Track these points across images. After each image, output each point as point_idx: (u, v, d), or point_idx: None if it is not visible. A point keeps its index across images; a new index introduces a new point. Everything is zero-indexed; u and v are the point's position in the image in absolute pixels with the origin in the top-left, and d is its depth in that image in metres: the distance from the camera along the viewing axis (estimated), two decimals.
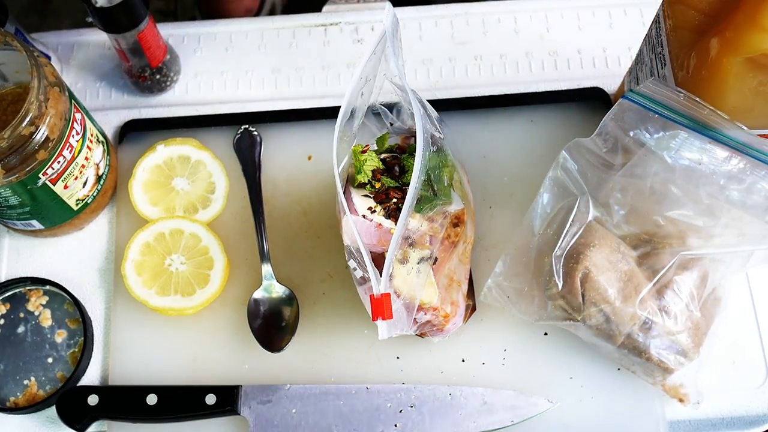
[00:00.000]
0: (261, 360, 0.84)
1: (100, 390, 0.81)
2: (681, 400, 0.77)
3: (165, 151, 0.91)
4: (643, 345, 0.75)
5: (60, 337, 0.85)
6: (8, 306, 0.86)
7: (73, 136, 0.80)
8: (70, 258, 0.90)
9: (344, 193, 0.75)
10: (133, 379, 0.84)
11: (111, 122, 0.97)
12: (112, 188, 0.91)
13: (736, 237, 0.75)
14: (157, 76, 0.96)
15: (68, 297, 0.85)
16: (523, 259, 0.80)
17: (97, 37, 1.02)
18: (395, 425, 0.79)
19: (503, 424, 0.79)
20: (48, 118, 0.75)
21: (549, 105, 0.94)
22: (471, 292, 0.83)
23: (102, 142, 0.88)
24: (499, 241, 0.88)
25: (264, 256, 0.87)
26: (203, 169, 0.91)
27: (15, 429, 0.83)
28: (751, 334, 0.84)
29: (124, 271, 0.85)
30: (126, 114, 0.97)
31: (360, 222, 0.74)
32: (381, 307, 0.68)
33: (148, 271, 0.85)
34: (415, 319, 0.74)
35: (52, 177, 0.79)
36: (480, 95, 0.96)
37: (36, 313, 0.86)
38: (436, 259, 0.75)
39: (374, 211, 0.75)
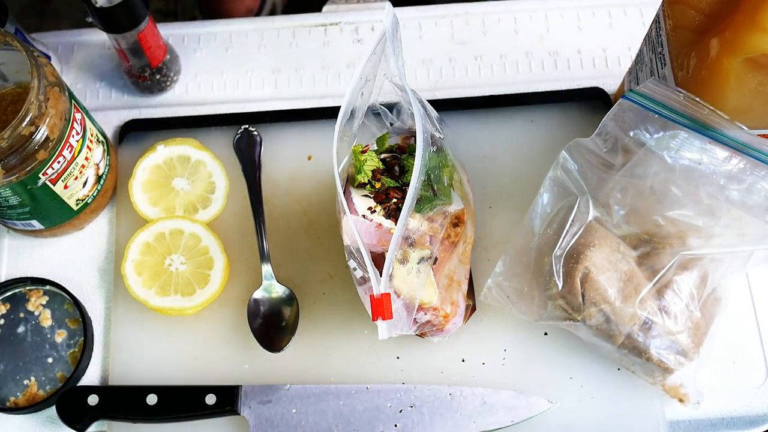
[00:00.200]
0: (261, 360, 0.84)
1: (100, 390, 0.81)
2: (681, 400, 0.77)
3: (165, 151, 0.91)
4: (643, 345, 0.75)
5: (60, 337, 0.85)
6: (8, 306, 0.86)
7: (73, 136, 0.80)
8: (70, 258, 0.90)
9: (344, 193, 0.75)
10: (133, 379, 0.84)
11: (111, 122, 0.97)
12: (112, 188, 0.91)
13: (736, 237, 0.75)
14: (157, 76, 0.96)
15: (68, 297, 0.85)
16: (523, 259, 0.80)
17: (97, 37, 1.02)
18: (395, 425, 0.79)
19: (503, 424, 0.79)
20: (48, 118, 0.75)
21: (549, 105, 0.94)
22: (471, 292, 0.83)
23: (102, 142, 0.88)
24: (499, 241, 0.88)
25: (264, 256, 0.87)
26: (203, 169, 0.91)
27: (15, 429, 0.83)
28: (751, 334, 0.84)
29: (124, 271, 0.85)
30: (126, 114, 0.97)
31: (360, 222, 0.74)
32: (381, 307, 0.68)
33: (148, 271, 0.85)
34: (415, 319, 0.74)
35: (52, 177, 0.79)
36: (480, 95, 0.96)
37: (36, 313, 0.86)
38: (436, 259, 0.75)
39: (374, 211, 0.75)
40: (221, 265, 0.86)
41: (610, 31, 1.00)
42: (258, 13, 1.50)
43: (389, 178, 0.78)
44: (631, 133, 0.75)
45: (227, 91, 0.99)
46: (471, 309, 0.82)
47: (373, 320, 0.69)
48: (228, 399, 0.80)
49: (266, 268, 0.86)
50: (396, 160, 0.79)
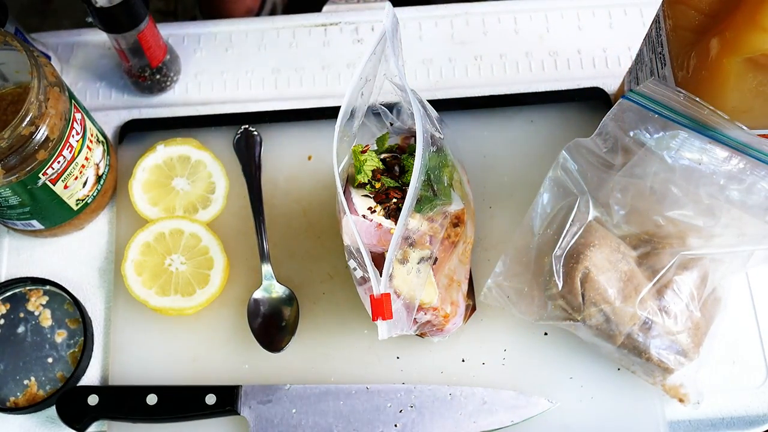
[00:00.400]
0: (261, 360, 0.84)
1: (100, 390, 0.81)
2: (681, 400, 0.77)
3: (165, 151, 0.91)
4: (643, 345, 0.75)
5: (60, 337, 0.85)
6: (8, 306, 0.86)
7: (73, 136, 0.80)
8: (70, 258, 0.90)
9: (344, 193, 0.75)
10: (133, 379, 0.84)
11: (111, 122, 0.97)
12: (112, 188, 0.91)
13: (736, 237, 0.75)
14: (157, 76, 0.96)
15: (68, 297, 0.85)
16: (523, 259, 0.80)
17: (97, 37, 1.02)
18: (395, 425, 0.79)
19: (503, 424, 0.79)
20: (48, 118, 0.75)
21: (549, 105, 0.94)
22: (471, 292, 0.83)
23: (102, 142, 0.88)
24: (499, 241, 0.88)
25: (264, 256, 0.87)
26: (203, 169, 0.91)
27: (15, 429, 0.83)
28: (751, 334, 0.84)
29: (124, 271, 0.85)
30: (126, 114, 0.97)
31: (360, 222, 0.74)
32: (381, 307, 0.68)
33: (148, 271, 0.85)
34: (415, 319, 0.74)
35: (52, 177, 0.79)
36: (480, 95, 0.96)
37: (36, 313, 0.86)
38: (436, 259, 0.75)
39: (374, 211, 0.75)
40: (221, 265, 0.86)
41: (610, 31, 1.00)
42: (258, 13, 1.50)
43: (389, 178, 0.78)
44: (631, 133, 0.75)
45: (227, 91, 0.99)
46: (471, 309, 0.82)
47: (373, 320, 0.69)
48: (228, 399, 0.80)
49: (266, 268, 0.86)
50: (396, 160, 0.79)
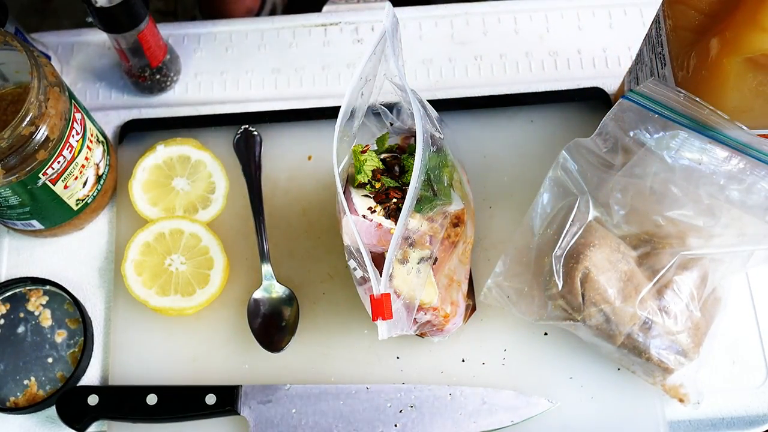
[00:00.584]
0: (261, 360, 0.84)
1: (100, 390, 0.81)
2: (681, 400, 0.77)
3: (165, 151, 0.91)
4: (643, 345, 0.75)
5: (60, 337, 0.85)
6: (8, 306, 0.86)
7: (73, 136, 0.80)
8: (70, 258, 0.90)
9: (344, 193, 0.75)
10: (133, 379, 0.84)
11: (111, 122, 0.97)
12: (112, 188, 0.91)
13: (736, 237, 0.75)
14: (157, 76, 0.96)
15: (68, 297, 0.85)
16: (523, 259, 0.80)
17: (97, 37, 1.02)
18: (395, 425, 0.79)
19: (503, 424, 0.79)
20: (48, 118, 0.75)
21: (549, 105, 0.94)
22: (471, 292, 0.83)
23: (102, 142, 0.88)
24: (499, 241, 0.88)
25: (264, 256, 0.87)
26: (203, 169, 0.91)
27: (15, 429, 0.83)
28: (751, 334, 0.84)
29: (124, 271, 0.85)
30: (126, 114, 0.97)
31: (360, 222, 0.74)
32: (381, 307, 0.68)
33: (148, 271, 0.85)
34: (415, 319, 0.74)
35: (52, 177, 0.79)
36: (480, 95, 0.96)
37: (36, 313, 0.86)
38: (436, 259, 0.75)
39: (374, 211, 0.75)
40: (221, 265, 0.86)
41: (610, 31, 1.00)
42: (258, 13, 1.50)
43: (389, 178, 0.78)
44: (631, 133, 0.75)
45: (227, 91, 0.99)
46: (471, 309, 0.82)
47: (373, 320, 0.69)
48: (228, 399, 0.80)
49: (266, 268, 0.86)
50: (396, 160, 0.79)
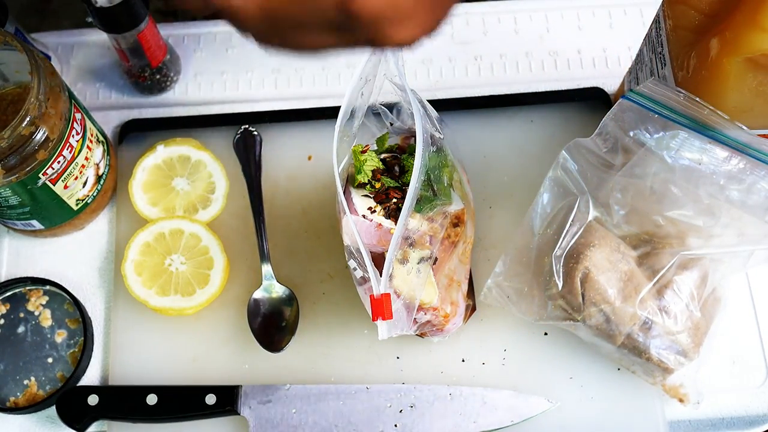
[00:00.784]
0: (261, 360, 0.84)
1: (100, 390, 0.81)
2: (681, 400, 0.77)
3: (165, 151, 0.91)
4: (643, 345, 0.75)
5: (60, 337, 0.85)
6: (8, 306, 0.86)
7: (73, 136, 0.80)
8: (70, 258, 0.90)
9: (344, 193, 0.75)
10: (133, 379, 0.84)
11: (111, 122, 0.96)
12: (112, 188, 0.91)
13: (736, 237, 0.75)
14: (157, 76, 0.96)
15: (68, 297, 0.85)
16: (523, 259, 0.80)
17: (97, 37, 1.02)
18: (395, 425, 0.79)
19: (503, 424, 0.79)
20: (48, 118, 0.75)
21: (549, 105, 0.94)
22: (471, 292, 0.83)
23: (102, 142, 0.88)
24: (499, 241, 0.88)
25: (264, 256, 0.87)
26: (203, 169, 0.91)
27: (15, 429, 0.83)
28: (751, 334, 0.84)
29: (124, 271, 0.85)
30: (126, 114, 0.97)
31: (360, 222, 0.74)
32: (381, 307, 0.68)
33: (148, 271, 0.85)
34: (415, 319, 0.74)
35: (52, 177, 0.79)
36: (480, 95, 0.96)
37: (36, 313, 0.86)
38: (436, 259, 0.75)
39: (374, 211, 0.75)
40: (221, 265, 0.86)
41: (610, 31, 1.00)
42: None
43: (389, 178, 0.78)
44: (631, 133, 0.75)
45: (227, 91, 0.99)
46: (471, 309, 0.82)
47: (373, 320, 0.69)
48: (228, 399, 0.80)
49: (266, 268, 0.86)
50: (396, 160, 0.79)
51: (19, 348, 0.85)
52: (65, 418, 0.80)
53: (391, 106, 0.81)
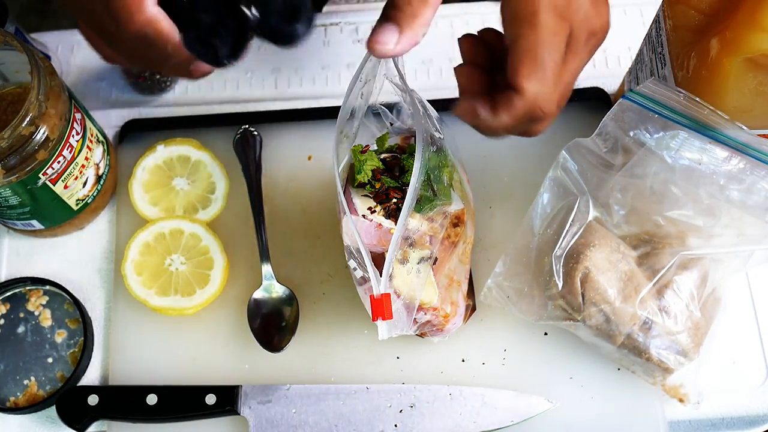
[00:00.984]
0: (261, 360, 0.84)
1: (100, 390, 0.81)
2: (681, 400, 0.77)
3: (165, 151, 0.91)
4: (643, 345, 0.75)
5: (60, 337, 0.85)
6: (8, 306, 0.86)
7: (73, 136, 0.80)
8: (70, 258, 0.90)
9: (344, 193, 0.75)
10: (133, 379, 0.84)
11: (111, 122, 0.96)
12: (112, 188, 0.91)
13: (736, 237, 0.75)
14: (157, 76, 0.96)
15: (68, 297, 0.85)
16: (523, 259, 0.80)
17: None
18: (395, 425, 0.79)
19: (503, 424, 0.79)
20: (48, 118, 0.75)
21: None
22: (471, 292, 0.83)
23: (102, 142, 0.88)
24: (499, 241, 0.88)
25: (264, 256, 0.87)
26: (203, 169, 0.91)
27: (15, 429, 0.83)
28: (751, 334, 0.84)
29: (124, 271, 0.85)
30: (126, 114, 0.97)
31: (360, 222, 0.74)
32: (381, 307, 0.68)
33: (148, 271, 0.85)
34: (415, 319, 0.74)
35: (52, 177, 0.79)
36: None
37: (36, 313, 0.86)
38: (436, 259, 0.75)
39: (374, 211, 0.75)
40: (221, 265, 0.86)
41: (610, 31, 1.00)
42: None
43: (389, 178, 0.78)
44: (631, 133, 0.75)
45: (227, 91, 0.99)
46: (471, 309, 0.82)
47: (373, 320, 0.69)
48: (228, 399, 0.80)
49: (266, 268, 0.86)
50: (396, 160, 0.79)
51: (19, 348, 0.85)
52: (65, 418, 0.80)
53: (391, 106, 0.81)
